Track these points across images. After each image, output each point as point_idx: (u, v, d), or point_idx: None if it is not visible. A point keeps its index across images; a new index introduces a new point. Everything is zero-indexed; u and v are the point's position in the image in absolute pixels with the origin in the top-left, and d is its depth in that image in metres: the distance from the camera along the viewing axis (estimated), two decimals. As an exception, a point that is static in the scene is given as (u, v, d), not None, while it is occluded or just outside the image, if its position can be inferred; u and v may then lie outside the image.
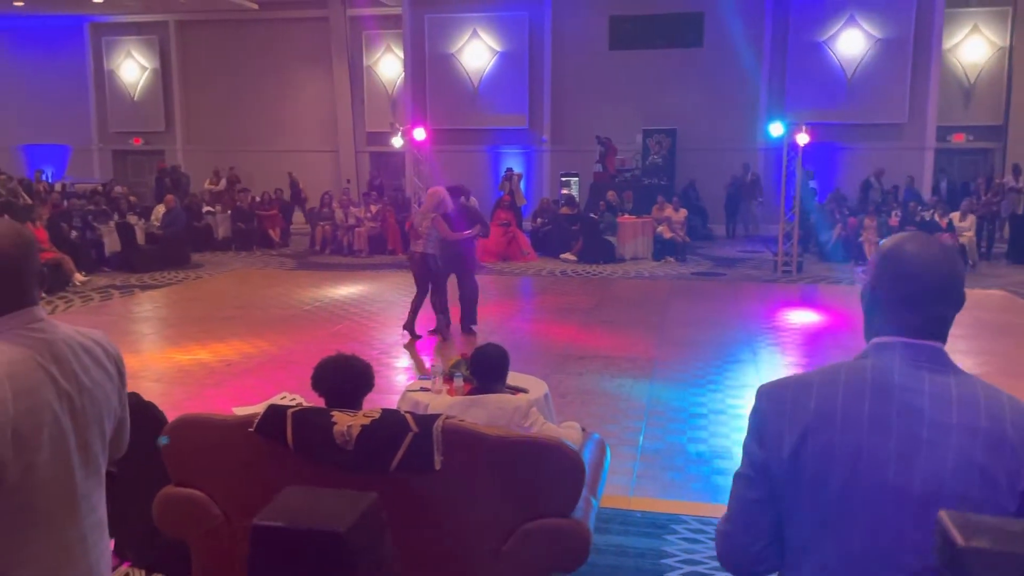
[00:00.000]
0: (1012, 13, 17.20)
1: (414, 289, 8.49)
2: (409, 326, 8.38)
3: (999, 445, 1.30)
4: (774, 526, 1.41)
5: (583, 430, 3.91)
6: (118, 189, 17.38)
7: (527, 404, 3.52)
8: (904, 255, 1.42)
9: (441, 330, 8.35)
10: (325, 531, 0.63)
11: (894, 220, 13.82)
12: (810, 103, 16.85)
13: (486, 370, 3.69)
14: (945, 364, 1.39)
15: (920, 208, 14.24)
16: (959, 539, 0.71)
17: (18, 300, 1.65)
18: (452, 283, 8.57)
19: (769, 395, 1.45)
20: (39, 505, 1.62)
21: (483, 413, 3.38)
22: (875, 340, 1.44)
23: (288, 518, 0.66)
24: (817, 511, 1.35)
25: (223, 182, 18.30)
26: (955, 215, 13.71)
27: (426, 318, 8.50)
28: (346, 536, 0.62)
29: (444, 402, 3.96)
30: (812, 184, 16.08)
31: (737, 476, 1.46)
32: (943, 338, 1.41)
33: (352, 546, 0.62)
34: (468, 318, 8.58)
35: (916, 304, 1.39)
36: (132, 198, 16.31)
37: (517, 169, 17.84)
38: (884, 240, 1.52)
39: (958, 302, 1.42)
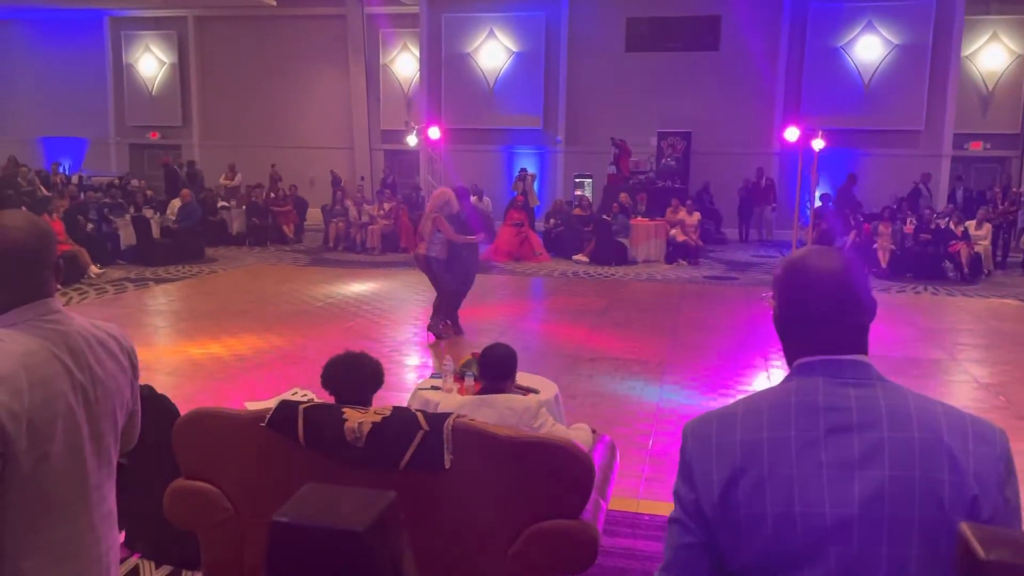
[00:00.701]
0: (1032, 21, 17.07)
1: (426, 288, 8.50)
2: (433, 327, 8.39)
3: (937, 456, 1.23)
4: (713, 572, 1.33)
5: (593, 432, 3.92)
6: (135, 183, 17.51)
7: (537, 405, 3.53)
8: (800, 271, 1.38)
9: (439, 330, 8.32)
10: (343, 530, 0.63)
11: (909, 227, 13.73)
12: (826, 108, 16.77)
13: (494, 370, 3.69)
14: (870, 376, 1.32)
15: (935, 216, 14.15)
16: (981, 552, 0.69)
17: (35, 291, 1.66)
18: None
19: (694, 433, 1.38)
20: (51, 495, 1.63)
21: (492, 413, 3.38)
22: (796, 362, 1.37)
23: (306, 516, 0.67)
24: (756, 553, 1.26)
25: (238, 177, 18.39)
26: (971, 223, 13.62)
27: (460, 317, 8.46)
28: (364, 536, 0.63)
29: (454, 401, 3.97)
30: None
31: (671, 521, 1.37)
32: (864, 348, 1.35)
33: (370, 546, 0.62)
34: (438, 316, 8.42)
35: (825, 319, 1.34)
36: (149, 192, 16.42)
37: (531, 170, 17.84)
38: (783, 257, 1.47)
39: (868, 309, 1.36)
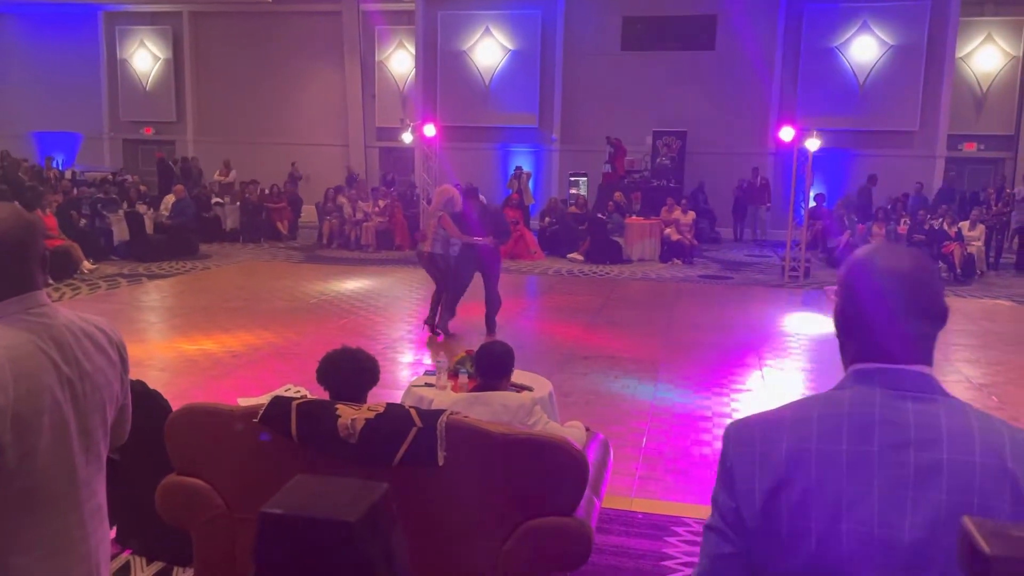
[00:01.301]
0: (1027, 23, 17.12)
1: (422, 285, 8.49)
2: (431, 321, 8.38)
3: (999, 483, 1.14)
4: None
5: (587, 430, 3.91)
6: (129, 178, 17.45)
7: (531, 402, 3.52)
8: (874, 269, 1.27)
9: (429, 322, 8.32)
10: (334, 520, 0.62)
11: (903, 228, 13.76)
12: (821, 108, 16.79)
13: (490, 368, 3.68)
14: (932, 391, 1.23)
15: (929, 216, 14.19)
16: (986, 548, 0.67)
17: (21, 284, 1.64)
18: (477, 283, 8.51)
19: (736, 437, 1.30)
20: (39, 490, 1.62)
21: (487, 410, 3.37)
22: (853, 367, 1.28)
23: (297, 506, 0.65)
24: (796, 567, 1.20)
25: (232, 173, 18.34)
26: (964, 224, 13.65)
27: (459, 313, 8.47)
28: (356, 526, 0.61)
29: (448, 398, 3.96)
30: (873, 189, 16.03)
31: (707, 529, 1.30)
32: (928, 360, 1.26)
33: (362, 537, 0.61)
34: (489, 324, 8.48)
35: (890, 324, 1.24)
36: (142, 187, 16.37)
37: (526, 168, 17.82)
38: (853, 253, 1.36)
39: (940, 317, 1.27)
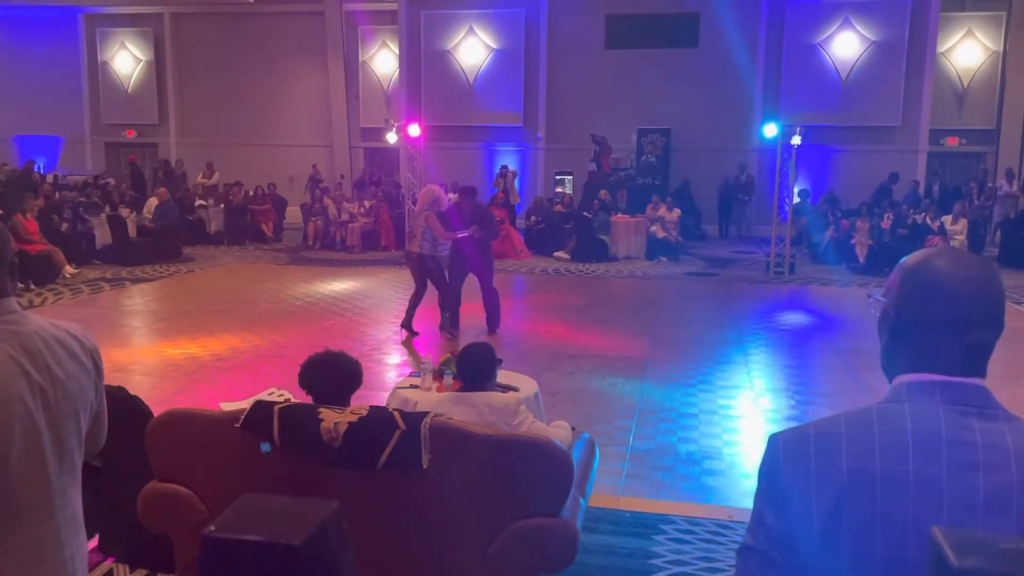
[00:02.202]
0: (1006, 18, 17.26)
1: (408, 286, 8.46)
2: (407, 324, 8.34)
3: None
4: None
5: (573, 429, 3.91)
6: (112, 182, 17.31)
7: (516, 402, 3.51)
8: (936, 272, 1.20)
9: (446, 327, 8.34)
10: (278, 544, 0.60)
11: (886, 223, 13.84)
12: (804, 105, 16.87)
13: (471, 371, 3.65)
14: (995, 407, 1.16)
15: (912, 211, 14.28)
16: (953, 559, 0.66)
17: None
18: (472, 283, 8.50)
19: (787, 453, 1.19)
20: (12, 500, 1.59)
21: (471, 411, 3.36)
22: (905, 379, 1.20)
23: (241, 529, 0.64)
24: None
25: (216, 175, 18.23)
26: (947, 218, 13.75)
27: (427, 315, 8.45)
28: (300, 549, 0.60)
29: (432, 399, 3.94)
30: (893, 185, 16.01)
31: (748, 551, 1.19)
32: (984, 372, 1.19)
33: (307, 560, 0.60)
34: (491, 322, 8.48)
35: (954, 332, 1.17)
36: (124, 186, 16.25)
37: (512, 167, 17.81)
38: (907, 256, 1.27)
39: (1000, 325, 1.19)
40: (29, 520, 1.63)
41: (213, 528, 0.64)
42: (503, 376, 4.67)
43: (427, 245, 8.00)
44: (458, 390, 3.78)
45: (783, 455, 1.19)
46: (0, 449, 1.55)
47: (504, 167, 17.26)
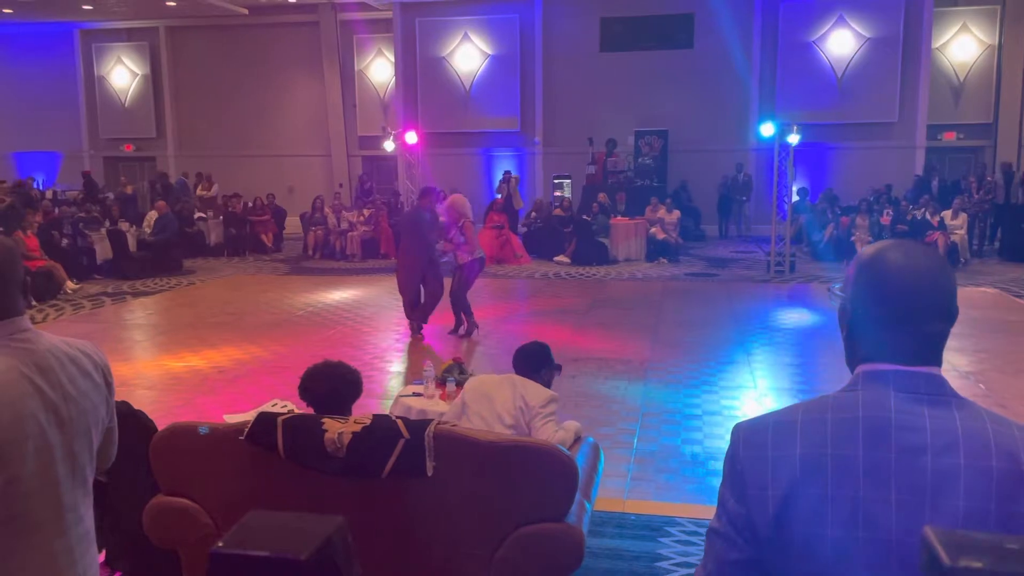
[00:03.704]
0: (1001, 11, 17.28)
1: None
2: (471, 326, 8.59)
3: (1016, 488, 1.12)
4: None
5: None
6: (111, 196, 17.34)
7: (550, 397, 3.69)
8: (888, 265, 1.23)
9: (471, 330, 8.57)
10: (284, 559, 0.61)
11: (885, 219, 13.85)
12: (801, 103, 16.88)
13: (525, 363, 3.89)
14: (946, 393, 1.20)
15: (911, 207, 14.29)
16: (945, 558, 0.67)
17: (3, 310, 1.64)
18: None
19: (747, 439, 1.24)
20: (25, 517, 1.60)
21: (510, 390, 3.64)
22: (863, 368, 1.24)
23: (247, 544, 0.65)
24: (809, 574, 1.17)
25: (214, 188, 18.25)
26: (946, 213, 13.75)
27: (435, 319, 8.49)
28: (306, 564, 0.61)
29: (437, 408, 3.95)
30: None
31: (713, 533, 1.25)
32: (939, 361, 1.23)
33: (312, 574, 0.60)
34: (466, 313, 8.63)
35: (906, 322, 1.21)
36: (129, 188, 16.39)
37: (513, 172, 17.85)
38: (862, 249, 1.32)
39: (952, 315, 1.24)
40: (42, 537, 1.64)
41: (221, 544, 0.64)
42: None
43: (465, 252, 8.27)
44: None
45: (743, 443, 1.25)
46: (13, 466, 1.56)
47: (507, 172, 17.33)
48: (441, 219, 8.58)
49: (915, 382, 1.20)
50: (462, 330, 8.55)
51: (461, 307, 8.50)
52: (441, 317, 8.71)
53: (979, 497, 1.12)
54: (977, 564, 0.64)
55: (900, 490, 1.14)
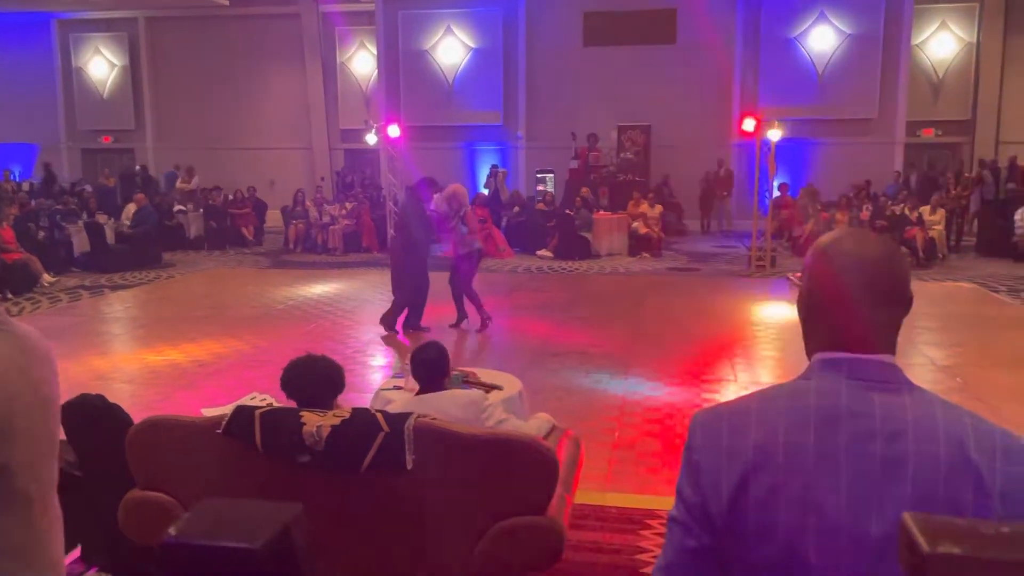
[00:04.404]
0: (979, 9, 17.44)
1: (391, 287, 8.54)
2: (486, 317, 8.56)
3: (963, 475, 1.14)
4: (716, 574, 1.24)
5: (553, 427, 3.88)
6: (89, 188, 17.15)
7: (481, 397, 3.46)
8: (839, 253, 1.25)
9: (486, 322, 8.55)
10: (237, 548, 0.59)
11: (865, 214, 13.95)
12: (782, 99, 16.96)
13: (425, 372, 3.59)
14: (898, 381, 1.21)
15: (891, 202, 14.40)
16: (924, 545, 0.66)
17: None
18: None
19: (703, 428, 1.26)
20: (10, 494, 1.56)
21: (436, 413, 3.31)
22: (818, 356, 1.26)
23: (199, 533, 0.63)
24: (764, 564, 1.18)
25: (195, 180, 18.09)
26: (925, 209, 13.87)
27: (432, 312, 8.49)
28: (259, 553, 0.59)
29: (402, 400, 3.89)
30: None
31: (672, 521, 1.27)
32: (892, 348, 1.25)
33: (266, 563, 0.59)
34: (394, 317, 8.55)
35: (860, 310, 1.23)
36: (111, 181, 16.27)
37: (499, 166, 17.86)
38: (819, 239, 1.32)
39: (906, 303, 1.26)
40: (27, 514, 1.55)
41: (172, 532, 0.63)
42: (486, 375, 4.67)
43: (466, 242, 8.25)
44: (417, 393, 3.72)
45: (700, 432, 1.27)
46: (4, 448, 1.49)
47: (494, 166, 17.33)
48: (433, 209, 8.46)
49: (867, 369, 1.21)
50: (465, 324, 8.50)
51: (470, 300, 8.43)
52: (438, 309, 8.65)
53: (927, 483, 1.14)
54: (956, 550, 0.64)
55: (850, 477, 1.16)
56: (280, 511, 0.63)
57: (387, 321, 8.40)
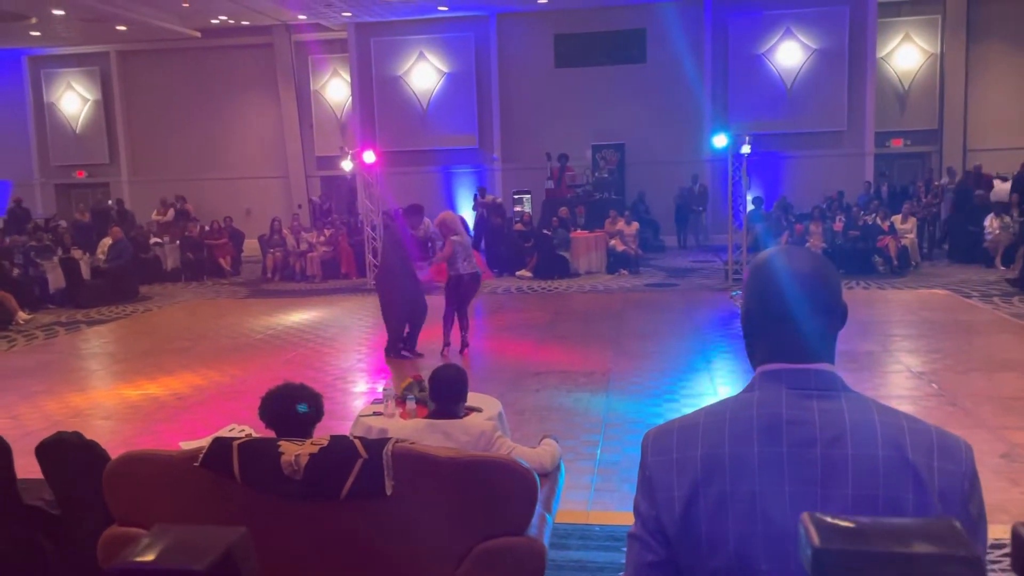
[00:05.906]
0: (941, 21, 17.84)
1: (369, 313, 8.53)
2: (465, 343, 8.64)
3: (901, 474, 1.17)
4: None
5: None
6: (63, 224, 17.03)
7: (492, 428, 3.50)
8: (769, 268, 1.30)
9: (466, 343, 8.63)
10: (181, 570, 0.62)
11: (838, 225, 14.13)
12: (752, 114, 17.21)
13: (446, 392, 3.63)
14: (836, 388, 1.25)
15: (863, 212, 14.61)
16: (816, 540, 0.72)
17: None
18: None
19: (654, 446, 1.30)
20: None
21: (447, 440, 3.33)
22: (760, 369, 1.30)
23: (146, 558, 0.65)
24: (718, 572, 1.21)
25: (170, 212, 18.02)
26: (896, 218, 14.09)
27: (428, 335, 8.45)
28: (205, 574, 0.61)
29: (398, 426, 3.92)
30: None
31: (631, 537, 1.30)
32: (831, 357, 1.29)
33: None
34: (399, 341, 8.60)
35: (789, 320, 1.26)
36: (86, 216, 16.17)
37: (471, 189, 17.92)
38: (754, 256, 1.37)
39: (840, 314, 1.30)
40: None
41: (119, 561, 0.65)
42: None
43: (466, 265, 8.33)
44: (429, 414, 3.76)
45: (651, 449, 1.31)
46: None
47: (482, 188, 17.52)
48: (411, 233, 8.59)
49: (806, 378, 1.25)
50: (446, 351, 8.52)
51: (445, 320, 8.48)
52: (427, 333, 8.66)
53: (866, 485, 1.17)
54: (844, 546, 0.69)
55: (793, 482, 1.19)
56: (225, 534, 0.66)
57: (389, 353, 8.47)
